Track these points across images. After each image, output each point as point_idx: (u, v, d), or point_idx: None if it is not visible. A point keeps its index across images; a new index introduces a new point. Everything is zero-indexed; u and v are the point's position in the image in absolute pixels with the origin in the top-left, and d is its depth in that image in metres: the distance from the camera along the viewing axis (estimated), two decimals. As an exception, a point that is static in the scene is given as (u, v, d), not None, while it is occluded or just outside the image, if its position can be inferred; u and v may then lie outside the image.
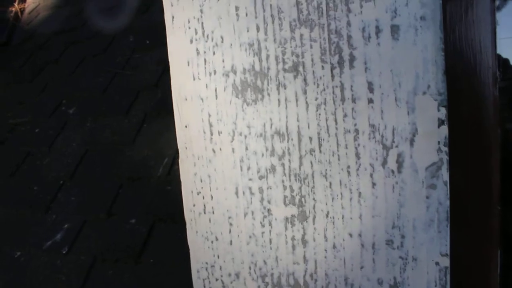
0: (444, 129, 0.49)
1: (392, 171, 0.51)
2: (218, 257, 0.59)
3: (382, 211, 0.52)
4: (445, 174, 0.49)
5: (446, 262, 0.51)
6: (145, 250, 1.20)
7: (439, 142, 0.49)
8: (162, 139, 1.31)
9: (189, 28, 0.57)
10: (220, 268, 0.60)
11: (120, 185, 1.33)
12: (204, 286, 0.61)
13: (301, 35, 0.53)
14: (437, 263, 0.51)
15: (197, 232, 0.60)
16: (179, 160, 0.60)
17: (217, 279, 0.60)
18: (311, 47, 0.53)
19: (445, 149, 0.49)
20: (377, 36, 0.50)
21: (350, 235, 0.53)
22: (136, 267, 1.18)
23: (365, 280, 0.53)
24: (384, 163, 0.51)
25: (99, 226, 1.29)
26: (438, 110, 0.49)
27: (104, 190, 1.34)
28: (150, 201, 1.27)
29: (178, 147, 0.60)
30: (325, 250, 0.54)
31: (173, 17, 0.57)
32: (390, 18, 0.50)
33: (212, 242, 0.60)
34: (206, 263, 0.60)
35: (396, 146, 0.50)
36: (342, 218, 0.53)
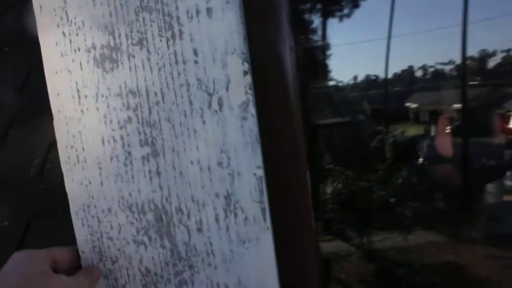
0: (248, 77, 0.69)
1: (216, 111, 0.70)
2: (93, 197, 0.74)
3: (212, 141, 0.70)
4: (252, 109, 0.70)
5: (261, 172, 0.71)
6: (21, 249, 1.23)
7: (245, 87, 0.70)
8: (31, 141, 1.35)
9: (55, 15, 0.72)
10: (95, 207, 0.74)
11: (-12, 191, 1.33)
12: (83, 225, 0.74)
13: (144, 18, 0.71)
14: (254, 174, 0.71)
15: (73, 179, 0.74)
16: (54, 122, 0.74)
17: (93, 216, 0.74)
18: (151, 26, 0.71)
19: (251, 91, 0.70)
20: (197, 16, 0.70)
21: (191, 162, 0.71)
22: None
23: (206, 195, 0.71)
24: (210, 105, 0.70)
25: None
26: (243, 65, 0.70)
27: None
28: (23, 202, 1.30)
29: (52, 112, 0.74)
30: (175, 177, 0.71)
31: (41, 7, 0.72)
32: (205, 3, 0.70)
33: (86, 186, 0.74)
34: (83, 204, 0.74)
35: (217, 93, 0.70)
36: (184, 150, 0.71)
